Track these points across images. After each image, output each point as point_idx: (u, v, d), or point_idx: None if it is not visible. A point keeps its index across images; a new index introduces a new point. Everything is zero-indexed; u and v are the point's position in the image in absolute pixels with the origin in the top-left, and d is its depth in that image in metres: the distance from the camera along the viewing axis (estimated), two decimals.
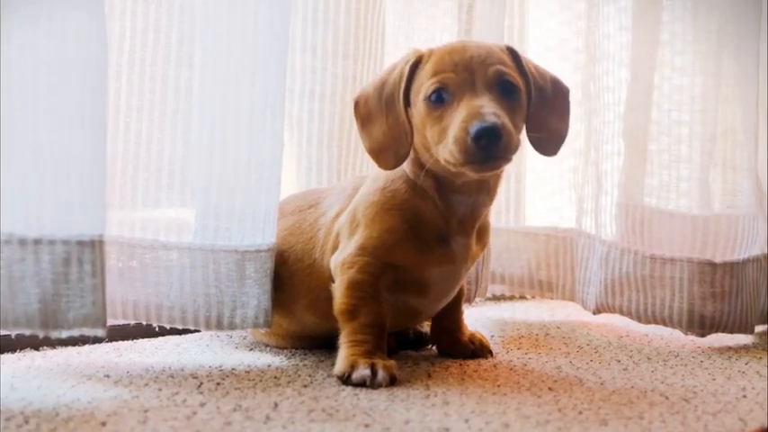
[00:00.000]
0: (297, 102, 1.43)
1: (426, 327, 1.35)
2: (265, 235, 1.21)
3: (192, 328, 1.22)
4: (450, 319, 1.29)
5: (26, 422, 0.91)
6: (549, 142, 1.18)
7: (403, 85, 1.13)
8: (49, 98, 1.04)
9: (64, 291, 1.04)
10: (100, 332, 1.06)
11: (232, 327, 1.21)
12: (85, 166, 1.05)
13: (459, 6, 1.56)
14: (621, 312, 1.49)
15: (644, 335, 1.49)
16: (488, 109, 1.05)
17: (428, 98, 1.10)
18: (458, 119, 1.06)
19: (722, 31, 1.48)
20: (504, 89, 1.10)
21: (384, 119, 1.15)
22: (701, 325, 1.43)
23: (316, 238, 1.23)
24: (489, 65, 1.10)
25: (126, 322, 1.29)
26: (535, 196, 1.73)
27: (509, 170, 1.66)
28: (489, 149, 1.04)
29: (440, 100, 1.09)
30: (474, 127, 1.03)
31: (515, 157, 1.63)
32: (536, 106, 1.15)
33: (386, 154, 1.15)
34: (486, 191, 1.17)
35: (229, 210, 1.20)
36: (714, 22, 1.48)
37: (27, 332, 1.05)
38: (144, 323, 1.22)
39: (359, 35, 1.43)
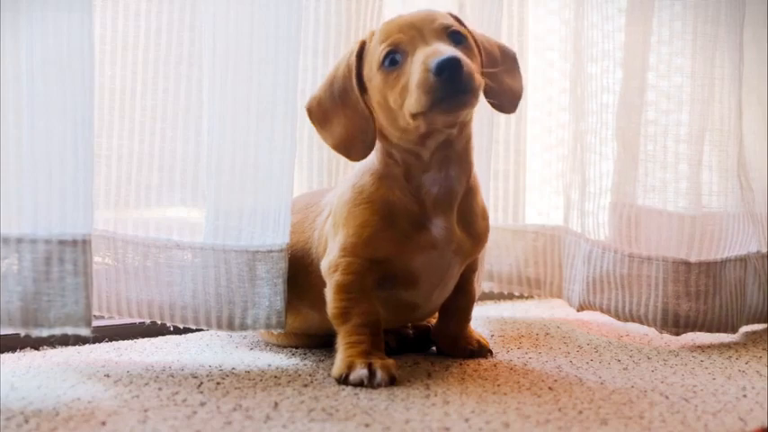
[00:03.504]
0: None
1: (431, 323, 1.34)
2: (277, 235, 1.20)
3: (205, 328, 1.22)
4: (456, 322, 1.28)
5: (26, 422, 0.91)
6: (505, 98, 1.19)
7: (354, 73, 1.14)
8: (32, 99, 1.04)
9: (44, 289, 1.04)
10: (83, 331, 1.06)
11: (243, 327, 1.21)
12: (68, 167, 1.05)
13: (459, 6, 1.56)
14: (602, 310, 1.50)
15: (644, 334, 1.49)
16: (444, 48, 1.07)
17: (382, 65, 1.11)
18: (416, 66, 1.07)
19: (712, 32, 1.48)
20: (454, 39, 1.11)
21: (342, 113, 1.16)
22: (674, 323, 1.43)
23: (313, 237, 1.24)
24: (434, 20, 1.12)
25: (138, 321, 1.30)
26: (534, 195, 1.72)
27: (506, 168, 1.66)
28: (453, 81, 1.04)
29: (394, 63, 1.10)
30: (433, 62, 1.04)
31: (511, 155, 1.66)
32: (487, 66, 1.16)
33: (353, 145, 1.16)
34: (455, 162, 1.16)
35: (240, 209, 1.21)
36: (707, 23, 1.47)
37: (8, 330, 1.06)
38: (158, 322, 1.22)
39: (350, 35, 1.43)
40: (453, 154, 1.16)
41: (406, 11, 1.52)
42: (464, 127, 1.16)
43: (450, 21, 1.13)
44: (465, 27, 1.17)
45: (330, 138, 1.17)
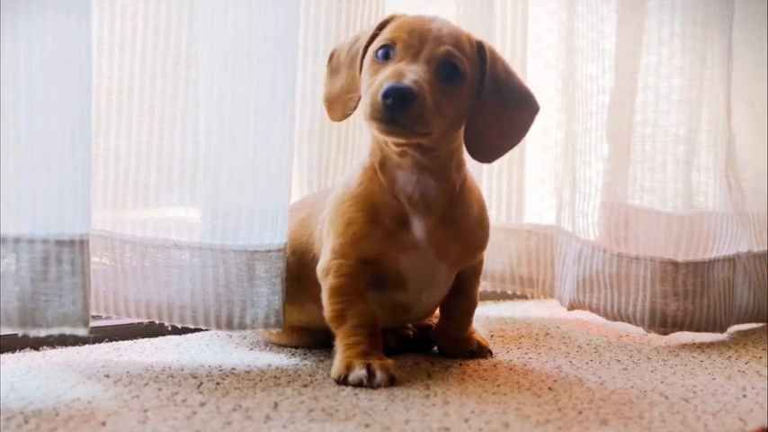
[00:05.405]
0: None
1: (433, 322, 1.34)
2: (275, 235, 1.21)
3: (204, 327, 1.23)
4: (458, 325, 1.28)
5: (26, 422, 0.91)
6: (486, 149, 1.17)
7: (365, 41, 1.15)
8: (30, 99, 1.04)
9: (42, 289, 1.05)
10: (81, 331, 1.06)
11: (242, 327, 1.21)
12: (66, 168, 1.05)
13: (457, 5, 1.56)
14: (591, 309, 1.51)
15: (644, 334, 1.49)
16: (412, 75, 1.05)
17: (375, 52, 1.12)
18: (383, 74, 1.07)
19: (702, 33, 1.48)
20: (447, 72, 1.09)
21: (346, 72, 1.18)
22: (662, 323, 1.43)
23: (314, 232, 1.24)
24: (443, 43, 1.10)
25: (137, 321, 1.30)
26: (531, 195, 1.72)
27: (500, 167, 1.65)
28: (394, 111, 1.04)
29: (385, 56, 1.11)
30: (387, 84, 1.04)
31: (509, 154, 1.65)
32: (487, 108, 1.14)
33: (336, 105, 1.18)
34: (430, 172, 1.15)
35: (238, 209, 1.21)
36: (696, 24, 1.47)
37: (7, 330, 1.06)
38: (156, 322, 1.23)
39: (340, 35, 1.43)
40: (427, 165, 1.14)
41: (401, 10, 1.53)
42: (439, 149, 1.13)
43: (460, 53, 1.10)
44: (483, 61, 1.13)
45: (328, 89, 1.20)
